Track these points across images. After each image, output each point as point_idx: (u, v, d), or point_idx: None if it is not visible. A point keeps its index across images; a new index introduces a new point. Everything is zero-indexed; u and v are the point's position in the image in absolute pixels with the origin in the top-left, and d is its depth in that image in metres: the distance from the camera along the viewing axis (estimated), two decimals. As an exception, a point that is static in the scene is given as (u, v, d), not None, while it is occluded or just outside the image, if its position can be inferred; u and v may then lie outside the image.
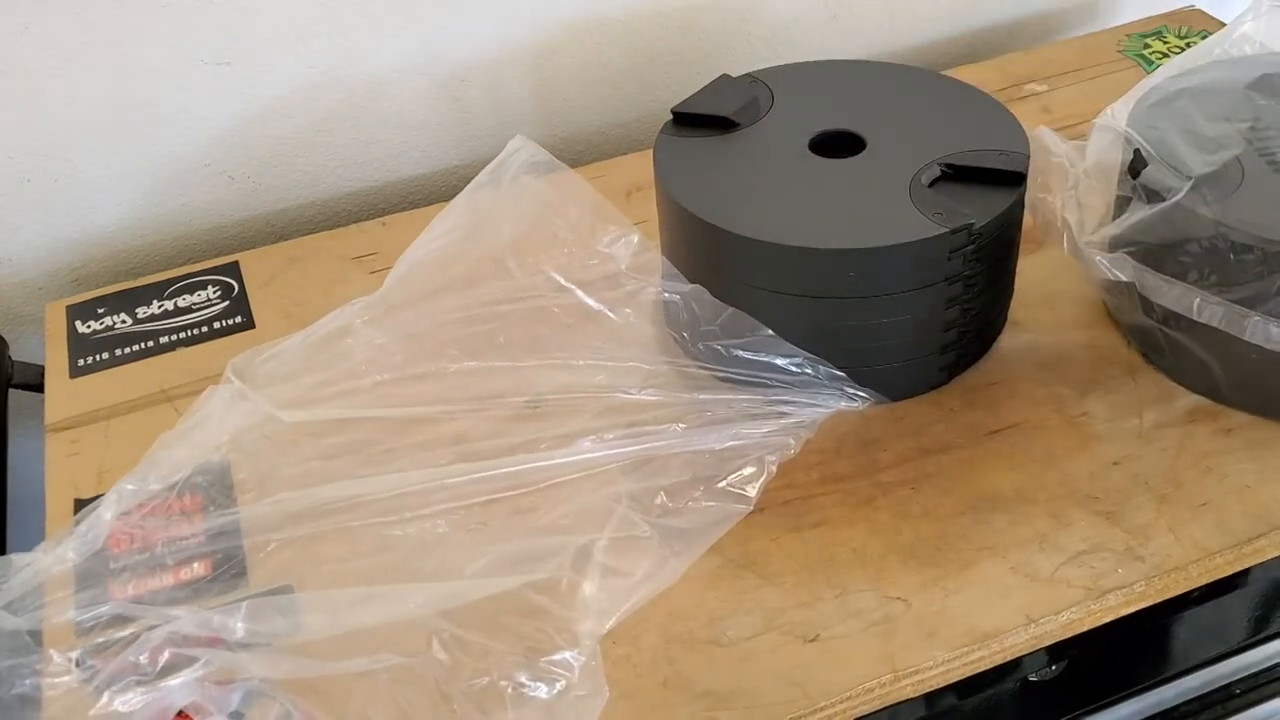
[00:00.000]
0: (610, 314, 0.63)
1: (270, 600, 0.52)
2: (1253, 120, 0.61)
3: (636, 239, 0.63)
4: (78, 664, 0.50)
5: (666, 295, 0.61)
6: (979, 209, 0.56)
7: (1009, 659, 0.51)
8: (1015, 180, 0.58)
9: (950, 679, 0.50)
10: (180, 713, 0.49)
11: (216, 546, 0.55)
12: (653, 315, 0.63)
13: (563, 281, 0.63)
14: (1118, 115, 0.63)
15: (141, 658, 0.50)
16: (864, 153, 0.62)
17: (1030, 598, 0.52)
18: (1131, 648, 0.57)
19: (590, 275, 0.63)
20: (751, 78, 0.68)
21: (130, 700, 0.49)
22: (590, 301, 0.63)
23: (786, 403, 0.58)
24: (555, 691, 0.48)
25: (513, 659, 0.49)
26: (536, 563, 0.52)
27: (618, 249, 0.63)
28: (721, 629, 0.51)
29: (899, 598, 0.52)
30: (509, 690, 0.48)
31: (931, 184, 0.58)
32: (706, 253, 0.59)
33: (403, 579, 0.52)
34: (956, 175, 0.59)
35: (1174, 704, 0.60)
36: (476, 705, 0.48)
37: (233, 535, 0.56)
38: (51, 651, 0.50)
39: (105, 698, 0.49)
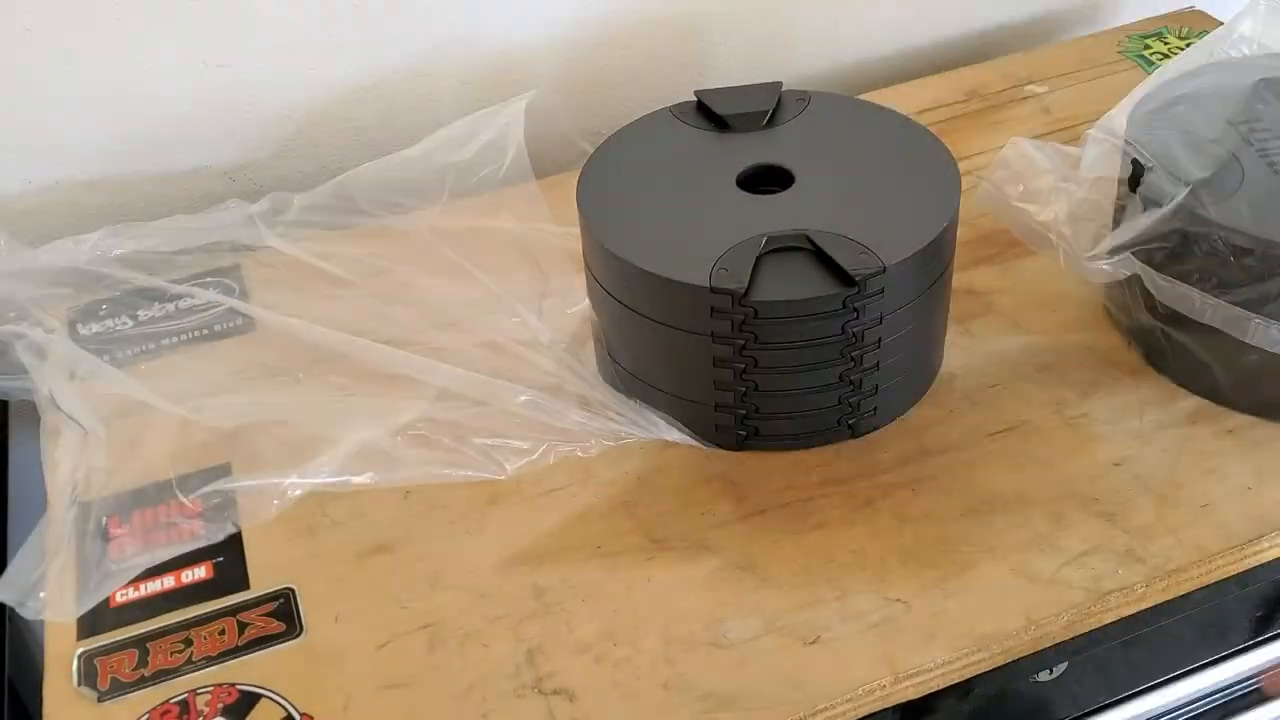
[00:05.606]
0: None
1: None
2: (1252, 121, 0.61)
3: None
4: (77, 658, 0.51)
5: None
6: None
7: (1009, 660, 0.51)
8: (849, 282, 0.54)
9: (950, 680, 0.50)
10: (179, 712, 0.49)
11: (216, 547, 0.55)
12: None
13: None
14: (1114, 121, 0.63)
15: (142, 655, 0.50)
16: (791, 188, 0.59)
17: (1031, 599, 0.52)
18: (1132, 648, 0.57)
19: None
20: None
21: (128, 698, 0.49)
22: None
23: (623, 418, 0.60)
24: None
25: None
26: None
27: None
28: (722, 631, 0.51)
29: (899, 599, 0.52)
30: None
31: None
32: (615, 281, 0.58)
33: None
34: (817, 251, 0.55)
35: (1175, 705, 0.60)
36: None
37: (233, 534, 0.56)
38: None
39: (103, 693, 0.49)
